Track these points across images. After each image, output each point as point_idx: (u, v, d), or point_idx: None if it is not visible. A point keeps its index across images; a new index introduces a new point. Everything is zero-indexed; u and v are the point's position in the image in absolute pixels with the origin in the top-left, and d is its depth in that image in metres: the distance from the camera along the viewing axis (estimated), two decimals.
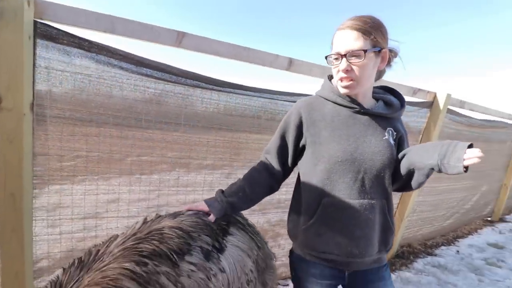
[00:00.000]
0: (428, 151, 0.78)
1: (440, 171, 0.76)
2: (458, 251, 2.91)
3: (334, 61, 0.82)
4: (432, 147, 0.79)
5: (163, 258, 0.60)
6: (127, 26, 1.19)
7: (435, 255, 2.79)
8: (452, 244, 3.10)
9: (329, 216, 0.83)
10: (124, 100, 1.28)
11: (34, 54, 1.07)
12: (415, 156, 0.81)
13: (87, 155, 1.24)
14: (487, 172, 3.49)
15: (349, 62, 0.79)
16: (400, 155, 0.88)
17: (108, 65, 1.21)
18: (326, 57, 0.85)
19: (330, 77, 0.94)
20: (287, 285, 2.03)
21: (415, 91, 2.21)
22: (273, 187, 0.95)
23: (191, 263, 0.63)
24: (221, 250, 0.74)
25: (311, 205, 0.86)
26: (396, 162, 0.87)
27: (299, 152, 0.93)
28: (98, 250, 0.62)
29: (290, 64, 1.63)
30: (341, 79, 0.83)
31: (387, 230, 0.87)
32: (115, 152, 1.30)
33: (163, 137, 1.39)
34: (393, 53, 0.87)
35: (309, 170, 0.88)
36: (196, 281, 0.62)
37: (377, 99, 0.91)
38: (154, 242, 0.62)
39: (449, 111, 2.49)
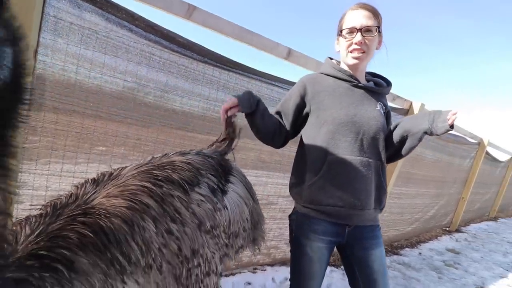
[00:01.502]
0: (418, 119, 0.95)
1: (431, 133, 0.92)
2: (420, 253, 3.14)
3: (347, 35, 0.93)
4: (421, 116, 0.96)
5: (176, 184, 0.64)
6: None
7: (400, 254, 2.99)
8: (415, 247, 3.34)
9: (333, 171, 0.92)
10: (128, 63, 1.29)
11: (44, 1, 1.06)
12: (407, 125, 0.97)
13: (83, 112, 1.22)
14: (448, 183, 3.83)
15: (364, 36, 0.90)
16: (392, 127, 1.02)
17: (117, 25, 1.22)
18: (340, 31, 0.96)
19: (330, 59, 1.06)
20: (265, 270, 2.07)
21: (394, 98, 2.41)
22: (275, 134, 1.01)
23: (200, 194, 0.67)
24: (223, 192, 0.78)
25: (316, 163, 0.95)
26: (388, 132, 1.00)
27: (301, 119, 1.03)
28: (112, 173, 0.64)
29: (289, 54, 1.73)
30: (353, 51, 0.94)
31: (381, 189, 0.97)
32: (113, 113, 1.29)
33: (163, 104, 1.41)
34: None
35: (314, 133, 0.98)
36: (205, 210, 0.66)
37: (368, 81, 1.04)
38: (167, 170, 0.65)
39: None
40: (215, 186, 0.74)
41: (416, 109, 2.53)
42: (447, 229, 4.39)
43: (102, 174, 0.64)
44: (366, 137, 0.93)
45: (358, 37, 0.91)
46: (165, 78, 1.40)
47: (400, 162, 2.58)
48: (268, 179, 1.94)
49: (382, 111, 0.98)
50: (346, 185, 0.92)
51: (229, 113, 0.93)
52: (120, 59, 1.26)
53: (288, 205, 2.07)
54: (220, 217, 0.70)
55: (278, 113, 1.05)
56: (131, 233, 0.52)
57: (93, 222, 0.50)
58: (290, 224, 1.04)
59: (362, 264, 0.96)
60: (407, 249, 3.20)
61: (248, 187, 0.95)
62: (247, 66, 1.59)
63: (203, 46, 1.43)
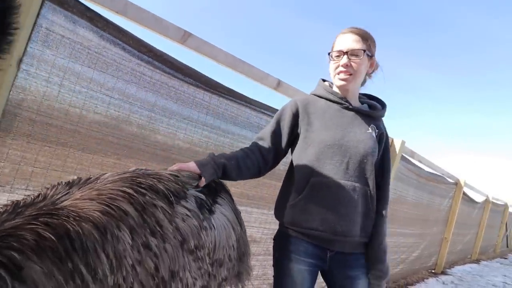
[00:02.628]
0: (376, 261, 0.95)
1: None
2: None
3: (335, 58, 0.97)
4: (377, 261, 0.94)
5: (160, 194, 0.57)
6: (139, 13, 1.26)
7: None
8: None
9: (316, 193, 0.90)
10: (117, 80, 1.27)
11: (39, 13, 1.05)
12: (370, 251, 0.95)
13: (62, 126, 1.15)
14: (430, 222, 3.84)
15: (349, 59, 0.94)
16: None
17: (111, 43, 1.22)
18: (329, 53, 1.00)
19: (322, 81, 1.09)
20: None
21: None
22: (261, 169, 0.99)
23: (186, 208, 0.60)
24: (211, 211, 0.71)
25: (299, 184, 0.93)
26: (377, 164, 0.98)
27: (292, 138, 1.02)
28: (90, 177, 0.56)
29: (278, 85, 1.79)
30: (339, 73, 0.97)
31: (368, 216, 0.93)
32: (94, 130, 1.22)
33: (148, 124, 1.36)
34: (376, 65, 1.05)
35: (300, 153, 0.97)
36: (190, 227, 0.59)
37: (362, 103, 1.06)
38: (153, 179, 0.59)
39: (403, 158, 2.82)
40: (203, 203, 0.68)
41: (397, 145, 2.62)
42: (433, 271, 4.29)
43: (78, 178, 0.56)
44: (353, 161, 0.92)
45: (344, 59, 0.94)
46: (154, 98, 1.37)
47: None
48: (252, 216, 1.85)
49: (373, 134, 0.98)
50: (329, 208, 0.89)
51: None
52: (109, 76, 1.24)
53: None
54: (206, 237, 0.63)
55: (273, 132, 1.01)
56: (102, 242, 0.43)
57: (57, 224, 0.41)
58: (273, 246, 0.99)
59: None
60: None
61: (236, 213, 0.89)
62: (238, 93, 1.62)
63: (195, 70, 1.45)
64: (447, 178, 3.92)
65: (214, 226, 0.68)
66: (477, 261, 5.88)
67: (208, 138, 1.57)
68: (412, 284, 3.44)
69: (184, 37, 1.39)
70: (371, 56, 0.98)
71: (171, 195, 0.59)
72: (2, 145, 1.04)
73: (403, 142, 2.64)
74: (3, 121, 1.03)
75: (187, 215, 0.59)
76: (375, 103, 1.07)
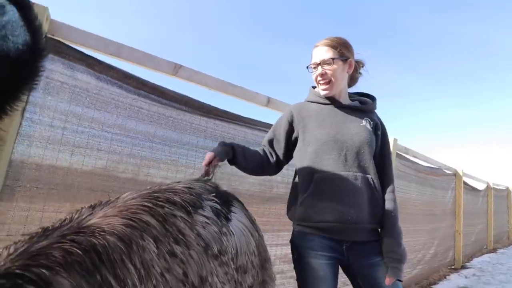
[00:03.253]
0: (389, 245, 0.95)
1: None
2: None
3: (313, 69, 1.07)
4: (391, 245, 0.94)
5: (178, 206, 0.60)
6: (132, 53, 1.35)
7: None
8: None
9: (320, 188, 0.94)
10: (118, 117, 1.32)
11: None
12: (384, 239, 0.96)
13: (69, 167, 1.18)
14: (438, 216, 3.83)
15: (323, 68, 1.03)
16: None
17: (108, 83, 1.29)
18: (307, 67, 1.09)
19: (313, 88, 1.17)
20: None
21: None
22: (264, 166, 1.08)
23: (204, 216, 0.62)
24: (227, 218, 0.73)
25: (304, 182, 0.98)
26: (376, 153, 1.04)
27: (291, 143, 1.08)
28: (110, 199, 0.59)
29: (268, 102, 1.88)
30: (319, 82, 1.06)
31: (376, 204, 0.97)
32: (99, 166, 1.25)
33: (151, 155, 1.40)
34: (360, 63, 1.14)
35: (301, 154, 1.03)
36: (211, 233, 0.61)
37: (353, 100, 1.13)
38: (169, 193, 0.62)
39: (398, 156, 2.89)
40: (219, 211, 0.70)
41: (390, 144, 2.69)
42: (453, 267, 4.19)
43: (99, 201, 0.59)
44: (350, 152, 0.97)
45: (318, 70, 1.04)
46: (153, 129, 1.43)
47: None
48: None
49: (368, 126, 1.03)
50: (335, 200, 0.93)
51: (211, 166, 0.97)
52: (109, 114, 1.30)
53: (285, 265, 1.91)
54: (227, 243, 0.65)
55: (271, 140, 1.10)
56: (128, 253, 0.45)
57: (83, 240, 0.43)
58: (291, 248, 1.01)
59: (370, 283, 0.91)
60: None
61: (251, 219, 0.91)
62: (233, 114, 1.69)
63: (189, 97, 1.52)
64: (445, 170, 3.98)
65: (233, 233, 0.70)
66: (493, 250, 5.78)
67: None
68: (434, 283, 3.34)
69: (176, 69, 1.48)
70: (346, 59, 1.06)
71: (188, 205, 0.62)
72: (11, 195, 1.05)
73: (395, 140, 2.72)
74: (10, 170, 1.06)
75: (206, 222, 0.62)
76: (365, 98, 1.15)
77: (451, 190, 4.25)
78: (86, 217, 0.51)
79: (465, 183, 4.63)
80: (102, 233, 0.45)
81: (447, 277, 3.64)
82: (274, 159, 1.09)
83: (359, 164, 0.97)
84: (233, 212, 0.81)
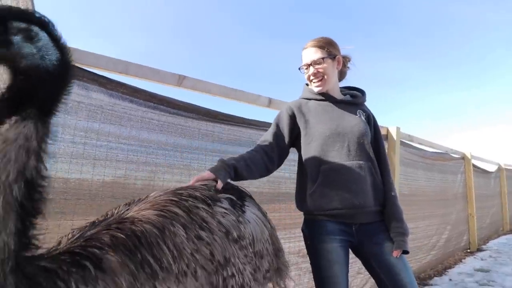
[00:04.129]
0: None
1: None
2: (450, 279, 2.93)
3: (305, 70, 1.16)
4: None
5: (199, 200, 0.69)
6: (139, 69, 1.45)
7: (431, 285, 2.78)
8: (443, 274, 3.12)
9: (328, 178, 1.02)
10: (130, 129, 1.42)
11: None
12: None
13: (92, 178, 1.28)
14: (450, 200, 3.84)
15: (315, 68, 1.12)
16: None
17: (119, 99, 1.40)
18: (299, 68, 1.17)
19: (307, 85, 1.25)
20: None
21: None
22: (268, 167, 1.11)
23: (223, 207, 0.71)
24: (242, 210, 0.82)
25: (313, 173, 1.06)
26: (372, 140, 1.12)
27: (293, 137, 1.16)
28: (140, 198, 0.69)
29: (270, 103, 1.96)
30: (312, 81, 1.15)
31: (377, 188, 1.06)
32: (119, 176, 1.35)
33: (165, 162, 1.50)
34: (347, 58, 1.22)
35: (306, 148, 1.11)
36: (229, 221, 0.69)
37: (345, 94, 1.22)
38: (190, 190, 0.71)
39: (403, 144, 2.93)
40: (234, 203, 0.79)
41: (393, 132, 2.74)
42: (468, 250, 4.19)
43: (132, 199, 0.69)
44: (352, 143, 1.06)
45: (311, 70, 1.13)
46: (164, 138, 1.52)
47: (396, 186, 2.65)
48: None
49: (362, 118, 1.13)
50: (343, 188, 1.01)
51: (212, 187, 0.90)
52: (123, 127, 1.40)
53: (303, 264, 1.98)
54: (244, 230, 0.73)
55: (274, 134, 1.13)
56: (162, 237, 0.54)
57: (125, 227, 0.53)
58: (303, 236, 1.09)
59: (380, 260, 0.99)
60: (435, 278, 2.98)
61: (263, 212, 0.99)
62: (237, 117, 1.78)
63: (195, 105, 1.62)
64: (452, 154, 3.99)
65: (248, 221, 0.78)
66: (510, 232, 5.72)
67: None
68: (450, 267, 3.36)
69: (180, 80, 1.58)
70: (334, 57, 1.14)
71: (207, 199, 0.71)
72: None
73: (398, 128, 2.77)
74: None
75: (225, 212, 0.71)
76: (355, 92, 1.23)
77: (460, 174, 4.25)
78: (124, 211, 0.61)
79: (475, 166, 4.62)
80: (139, 222, 0.55)
81: (462, 260, 3.64)
82: (276, 153, 1.11)
83: (361, 153, 1.05)
84: (247, 205, 0.89)
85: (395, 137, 2.72)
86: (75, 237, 0.51)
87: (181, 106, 1.58)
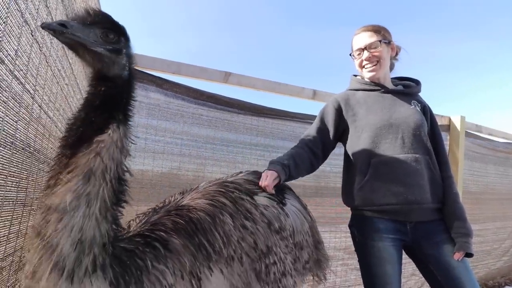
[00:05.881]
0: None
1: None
2: None
3: (357, 56, 1.09)
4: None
5: (243, 192, 0.75)
6: (189, 69, 1.57)
7: None
8: None
9: (379, 171, 0.96)
10: (183, 125, 1.56)
11: None
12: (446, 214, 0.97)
13: (152, 169, 1.45)
14: None
15: (370, 52, 1.04)
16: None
17: (173, 97, 1.54)
18: (350, 54, 1.12)
19: (354, 76, 1.19)
20: None
21: None
22: (313, 164, 1.08)
23: (264, 200, 0.77)
24: (283, 203, 0.85)
25: (362, 167, 1.00)
26: (429, 133, 1.03)
27: (340, 132, 1.10)
28: (192, 188, 0.79)
29: (314, 95, 1.93)
30: (365, 66, 1.07)
31: (435, 183, 0.97)
32: (174, 168, 1.51)
33: (213, 155, 1.61)
34: (398, 48, 1.13)
35: (355, 141, 1.04)
36: (271, 213, 0.74)
37: (396, 85, 1.13)
38: (235, 183, 0.78)
39: (468, 135, 2.60)
40: (275, 197, 0.83)
41: (456, 123, 2.45)
42: None
43: (184, 189, 0.79)
44: (407, 134, 0.98)
45: (365, 54, 1.05)
46: (213, 133, 1.63)
47: (460, 182, 2.38)
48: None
49: (417, 109, 1.04)
50: (396, 181, 0.94)
51: (272, 185, 0.90)
52: (176, 123, 1.54)
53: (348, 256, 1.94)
54: (285, 221, 0.77)
55: (318, 129, 1.10)
56: (214, 224, 0.62)
57: (183, 214, 0.62)
58: (351, 233, 1.04)
59: (438, 262, 0.91)
60: (507, 287, 2.63)
61: (303, 205, 1.01)
62: (280, 110, 1.80)
63: (240, 100, 1.68)
64: None
65: (288, 214, 0.82)
66: None
67: (261, 157, 1.75)
68: None
69: (226, 77, 1.66)
70: (388, 42, 1.07)
71: (250, 192, 0.76)
72: None
73: (462, 118, 2.46)
74: None
75: (266, 205, 0.75)
76: (408, 82, 1.14)
77: None
78: (179, 200, 0.70)
79: None
80: (194, 210, 0.63)
81: None
82: (320, 149, 1.09)
83: (417, 145, 0.98)
84: (287, 198, 0.92)
85: (459, 127, 2.43)
86: (142, 222, 0.61)
87: (227, 102, 1.66)
